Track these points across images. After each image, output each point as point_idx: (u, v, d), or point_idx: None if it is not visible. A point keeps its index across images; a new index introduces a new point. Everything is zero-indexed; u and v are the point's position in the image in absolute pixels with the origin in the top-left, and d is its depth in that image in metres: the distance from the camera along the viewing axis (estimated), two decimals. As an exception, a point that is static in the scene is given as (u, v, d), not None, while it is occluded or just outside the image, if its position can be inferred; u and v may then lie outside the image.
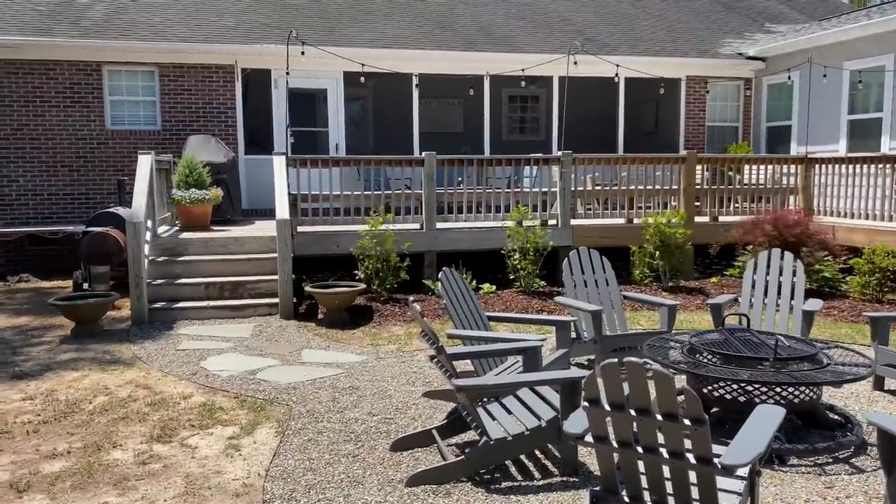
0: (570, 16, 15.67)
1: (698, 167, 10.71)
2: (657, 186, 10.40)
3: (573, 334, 6.11)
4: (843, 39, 12.43)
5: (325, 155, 12.25)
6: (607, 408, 2.96)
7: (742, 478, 3.23)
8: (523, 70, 13.05)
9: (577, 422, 3.22)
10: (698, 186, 10.63)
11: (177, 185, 9.79)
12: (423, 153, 9.47)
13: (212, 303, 8.21)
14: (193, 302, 8.22)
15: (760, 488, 3.79)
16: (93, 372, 6.11)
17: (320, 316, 8.02)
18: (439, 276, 5.28)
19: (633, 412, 2.89)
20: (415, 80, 13.09)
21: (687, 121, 14.55)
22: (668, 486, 3.00)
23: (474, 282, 9.19)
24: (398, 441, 4.37)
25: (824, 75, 12.64)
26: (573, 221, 10.04)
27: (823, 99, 12.90)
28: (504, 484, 3.86)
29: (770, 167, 11.06)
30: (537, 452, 4.25)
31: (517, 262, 8.99)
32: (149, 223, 8.61)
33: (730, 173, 11.03)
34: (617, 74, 13.43)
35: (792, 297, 6.01)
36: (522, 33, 14.43)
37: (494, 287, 9.16)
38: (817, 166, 10.58)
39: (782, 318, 5.92)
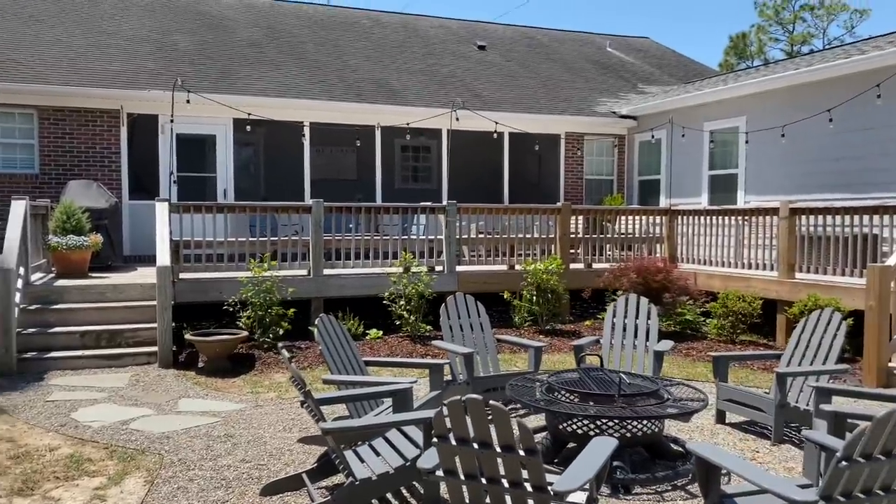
0: (459, 73, 16.40)
1: (574, 217, 11.40)
2: (536, 235, 10.99)
3: (449, 376, 6.40)
4: (703, 102, 13.65)
5: (213, 201, 12.18)
6: (454, 443, 3.22)
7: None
8: (408, 124, 13.53)
9: (429, 458, 3.46)
10: (574, 235, 11.30)
11: (53, 231, 9.51)
12: (311, 200, 9.65)
13: (88, 352, 7.99)
14: (68, 351, 7.96)
15: (605, 515, 4.14)
16: (-50, 426, 5.84)
17: (201, 364, 7.96)
18: (315, 322, 5.45)
19: (476, 446, 3.16)
20: (306, 129, 13.31)
21: (566, 174, 15.43)
22: (513, 515, 3.28)
23: (361, 327, 9.36)
24: (268, 486, 4.46)
25: (682, 135, 13.81)
26: (459, 268, 10.44)
27: (688, 155, 14.04)
28: (369, 522, 4.03)
29: (639, 218, 11.90)
30: (404, 491, 4.45)
31: (401, 307, 9.23)
32: (21, 270, 8.32)
33: (604, 223, 11.79)
34: (496, 130, 14.14)
35: (647, 339, 6.54)
36: (413, 87, 14.98)
37: (381, 332, 9.35)
38: (680, 217, 11.49)
39: (639, 357, 6.42)
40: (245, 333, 8.26)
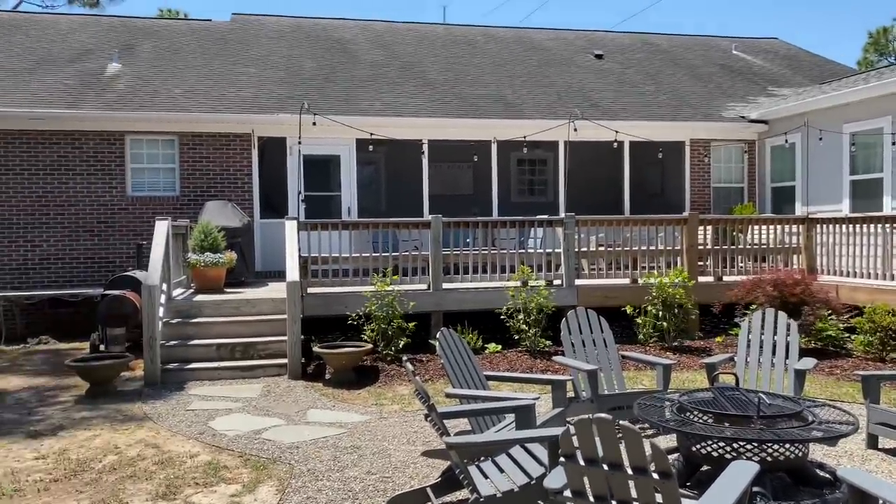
0: (576, 83, 16.17)
1: (701, 228, 10.92)
2: (660, 247, 10.60)
3: (572, 393, 6.26)
4: (841, 103, 12.74)
5: (338, 219, 12.58)
6: (582, 463, 3.11)
7: (718, 532, 3.33)
8: (525, 137, 13.46)
9: (556, 477, 3.36)
10: (702, 247, 10.81)
11: (192, 249, 10.13)
12: (430, 216, 9.77)
13: (223, 363, 8.42)
14: (205, 363, 8.43)
15: (746, 545, 3.86)
16: (104, 431, 6.30)
17: (328, 376, 8.20)
18: (437, 336, 5.48)
19: (605, 467, 3.04)
20: (424, 146, 13.53)
21: (692, 182, 14.82)
22: (645, 540, 3.12)
23: (480, 341, 9.34)
24: (394, 499, 4.49)
25: (820, 138, 12.93)
26: (578, 282, 10.23)
27: (825, 160, 13.14)
28: (494, 540, 3.96)
29: (772, 227, 11.23)
30: (529, 510, 4.35)
31: (520, 322, 9.14)
32: (164, 286, 8.91)
33: (734, 234, 11.21)
34: (616, 140, 13.79)
35: (787, 356, 6.12)
36: (529, 100, 14.91)
37: (500, 347, 9.30)
38: (819, 226, 10.74)
39: (777, 376, 6.02)
40: (369, 346, 8.44)
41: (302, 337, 8.54)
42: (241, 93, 13.56)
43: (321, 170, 13.48)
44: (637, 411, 4.77)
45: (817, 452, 5.29)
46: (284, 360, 8.38)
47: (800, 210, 13.63)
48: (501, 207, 14.31)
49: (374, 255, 9.72)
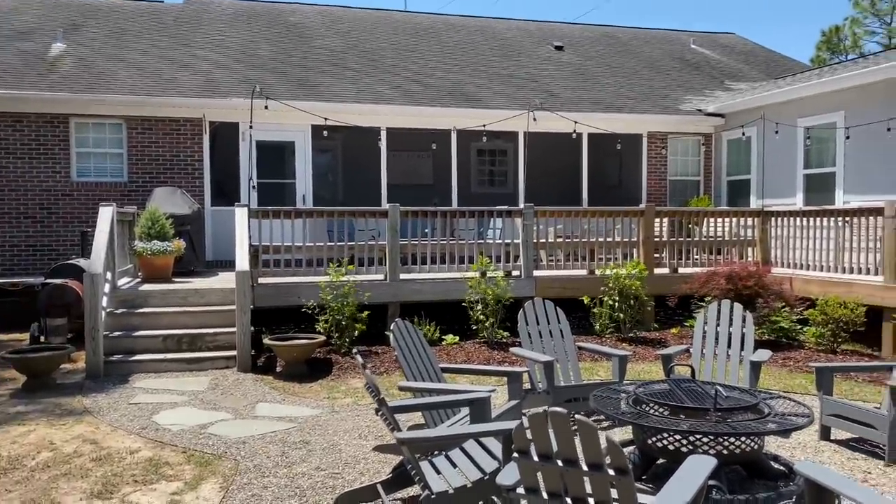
0: (536, 74, 16.09)
1: (658, 220, 10.93)
2: (617, 239, 10.58)
3: (528, 385, 6.16)
4: (796, 97, 12.89)
5: (292, 206, 12.28)
6: (536, 459, 2.98)
7: (674, 529, 3.24)
8: (484, 126, 13.33)
9: (509, 473, 3.23)
10: (658, 239, 10.84)
11: (139, 237, 9.77)
12: (388, 205, 9.58)
13: (169, 355, 8.12)
14: (151, 354, 8.12)
15: (701, 540, 3.79)
16: (40, 427, 5.99)
17: (278, 369, 7.97)
18: (391, 327, 5.31)
19: (560, 463, 2.91)
20: (382, 134, 13.30)
21: (649, 175, 14.89)
22: (600, 538, 3.01)
23: (437, 333, 9.20)
24: (342, 496, 4.32)
25: (776, 132, 13.07)
26: (536, 272, 10.15)
27: (780, 154, 13.30)
28: (445, 538, 3.82)
29: (728, 220, 11.31)
30: (483, 506, 4.22)
31: (479, 313, 9.02)
32: (108, 275, 8.55)
33: (690, 226, 11.26)
34: (575, 131, 13.78)
35: (742, 348, 6.11)
36: (489, 90, 14.78)
37: (458, 338, 9.18)
38: (774, 219, 10.84)
39: (732, 368, 6.00)
40: (322, 338, 8.22)
41: (253, 328, 8.28)
42: (193, 77, 13.14)
43: (276, 156, 13.15)
44: (593, 403, 4.68)
45: (771, 444, 5.28)
46: (233, 353, 8.11)
47: (755, 203, 13.79)
48: (461, 198, 14.17)
49: (328, 244, 9.48)
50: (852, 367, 6.55)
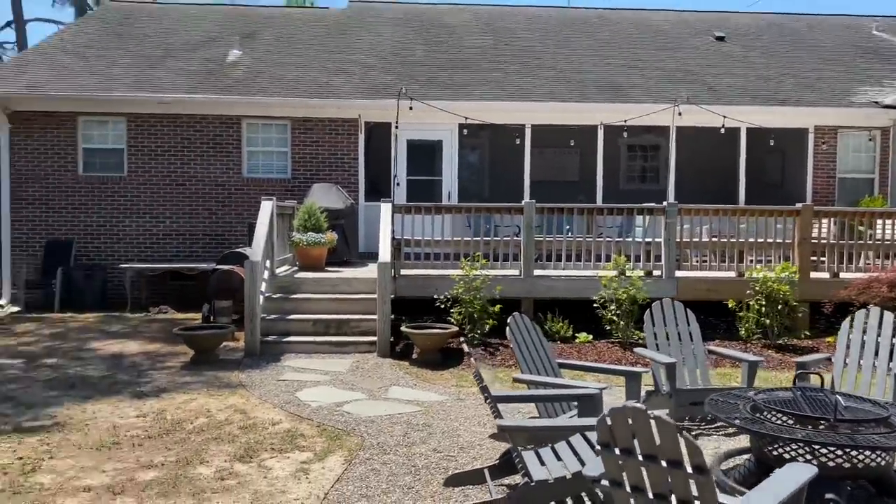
0: (692, 66, 15.49)
1: (819, 220, 10.24)
2: (770, 240, 10.02)
3: (653, 386, 6.09)
4: None
5: (433, 203, 12.72)
6: (617, 452, 3.04)
7: (767, 536, 3.16)
8: (626, 121, 13.05)
9: (594, 465, 3.31)
10: (820, 241, 10.13)
11: (296, 229, 10.58)
12: (524, 201, 9.71)
13: (318, 338, 8.78)
14: (301, 337, 8.82)
15: (810, 554, 3.64)
16: (201, 396, 6.75)
17: (414, 356, 8.38)
18: (508, 321, 5.48)
19: (640, 458, 2.96)
20: (527, 131, 13.44)
21: (815, 172, 13.89)
22: (684, 537, 3.01)
23: (570, 331, 9.22)
24: (451, 477, 4.56)
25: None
26: (679, 273, 9.88)
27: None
28: (543, 525, 3.95)
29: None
30: (585, 498, 4.28)
31: (612, 312, 8.94)
32: (267, 263, 9.38)
33: (858, 227, 10.44)
34: (731, 126, 13.13)
35: (891, 360, 5.67)
36: (640, 84, 14.44)
37: (591, 337, 9.15)
38: (955, 221, 9.80)
39: (878, 380, 5.59)
40: (455, 329, 8.54)
41: (392, 317, 8.76)
42: (350, 79, 13.96)
43: (424, 154, 13.67)
44: (707, 407, 4.59)
45: (915, 464, 4.88)
46: (374, 338, 8.62)
47: (938, 204, 12.48)
48: (609, 194, 13.99)
49: (465, 239, 9.78)
50: None
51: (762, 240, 10.03)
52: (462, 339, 8.84)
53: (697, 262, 10.34)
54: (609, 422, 3.01)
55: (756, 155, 14.04)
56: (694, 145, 14.02)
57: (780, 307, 8.89)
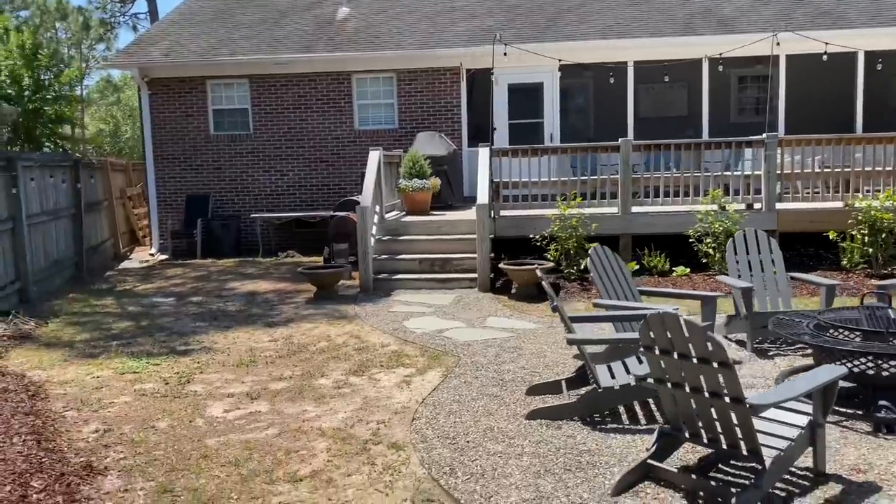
0: (806, -12, 14.74)
1: None
2: (878, 168, 9.75)
3: (734, 311, 6.40)
4: None
5: (534, 145, 13.07)
6: (657, 352, 3.53)
7: (797, 426, 3.58)
8: (720, 54, 12.73)
9: (643, 367, 3.79)
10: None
11: (402, 176, 11.32)
12: (620, 140, 9.94)
13: (424, 275, 9.54)
14: (409, 274, 9.61)
15: (856, 449, 3.98)
16: (322, 325, 7.68)
17: (513, 290, 8.96)
18: (589, 252, 5.95)
19: (675, 356, 3.43)
20: (629, 69, 13.43)
21: (943, 94, 13.07)
22: (719, 426, 3.49)
23: (668, 264, 9.49)
24: (532, 387, 5.17)
25: None
26: (780, 205, 9.84)
27: None
28: (609, 425, 4.49)
29: None
30: (651, 403, 4.77)
31: (708, 245, 9.12)
32: (376, 208, 10.18)
33: None
34: (824, 53, 12.52)
35: (980, 282, 5.70)
36: (747, 12, 13.98)
37: (688, 270, 9.37)
38: None
39: (965, 302, 5.64)
40: (551, 265, 9.03)
41: (492, 255, 9.36)
42: (450, 27, 14.38)
43: (527, 97, 13.96)
44: (771, 326, 4.92)
45: None
46: (476, 275, 9.27)
47: None
48: (716, 128, 13.78)
49: (562, 179, 10.15)
50: None
51: (870, 168, 9.77)
52: (559, 274, 9.33)
53: (808, 193, 10.17)
54: (649, 326, 3.49)
55: (879, 80, 13.35)
56: (806, 73, 13.51)
57: (884, 236, 8.75)
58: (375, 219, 10.08)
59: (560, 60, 12.69)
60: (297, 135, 14.05)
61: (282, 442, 4.48)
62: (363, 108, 14.05)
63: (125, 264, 13.27)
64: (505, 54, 12.56)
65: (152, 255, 14.07)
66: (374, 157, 10.30)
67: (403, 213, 11.51)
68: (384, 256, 9.88)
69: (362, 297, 8.99)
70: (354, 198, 11.72)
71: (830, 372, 3.53)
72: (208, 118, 14.19)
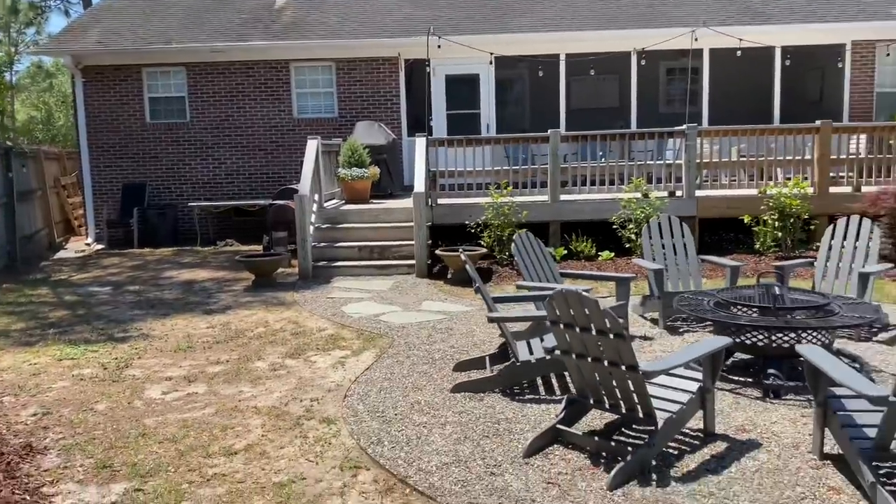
0: (729, -15, 15.42)
1: (859, 136, 10.57)
2: (788, 157, 10.41)
3: (649, 292, 6.86)
4: None
5: (469, 135, 13.40)
6: (562, 326, 3.89)
7: (688, 391, 4.00)
8: (644, 49, 13.29)
9: (550, 339, 4.15)
10: (848, 156, 10.46)
11: (341, 165, 11.51)
12: (550, 131, 10.34)
13: (363, 263, 9.78)
14: (348, 262, 9.84)
15: (745, 412, 4.43)
16: (260, 311, 7.86)
17: (449, 276, 9.29)
18: (514, 238, 6.30)
19: (577, 330, 3.80)
20: (561, 62, 13.86)
21: (852, 88, 13.92)
22: (619, 393, 3.87)
23: (594, 249, 9.96)
24: (459, 363, 5.50)
25: None
26: (700, 193, 10.41)
27: None
28: (527, 396, 4.86)
29: (924, 135, 10.54)
30: (566, 376, 5.15)
31: (630, 231, 9.61)
32: (315, 197, 10.36)
33: (890, 142, 10.68)
34: (740, 47, 13.21)
35: (865, 262, 6.28)
36: (672, 7, 14.57)
37: (612, 254, 9.87)
38: (978, 132, 9.97)
39: (852, 281, 6.21)
40: (484, 251, 9.39)
41: (429, 242, 9.66)
42: (388, 17, 14.55)
43: (463, 88, 14.27)
44: (676, 304, 5.36)
45: (850, 345, 5.56)
46: (413, 262, 9.56)
47: (976, 115, 12.45)
48: (645, 119, 14.37)
49: (495, 168, 10.53)
50: None
51: (781, 158, 10.42)
52: (492, 260, 9.70)
53: (727, 181, 10.77)
54: (554, 302, 3.85)
55: (795, 73, 14.12)
56: (729, 66, 14.18)
57: (792, 221, 9.38)
58: (314, 207, 10.26)
59: (492, 53, 13.03)
60: (236, 123, 14.06)
61: (218, 420, 4.71)
62: (302, 96, 14.14)
63: (60, 254, 13.11)
64: (439, 46, 12.82)
65: (88, 244, 13.92)
66: (313, 145, 10.46)
67: (343, 201, 11.70)
68: (323, 244, 10.08)
69: (301, 285, 9.18)
70: (293, 186, 11.85)
71: (715, 342, 3.95)
72: (144, 106, 14.07)
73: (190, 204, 13.69)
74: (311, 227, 9.92)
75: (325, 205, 10.95)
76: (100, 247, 13.54)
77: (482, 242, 9.81)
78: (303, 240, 9.54)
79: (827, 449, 3.82)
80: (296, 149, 13.95)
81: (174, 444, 4.31)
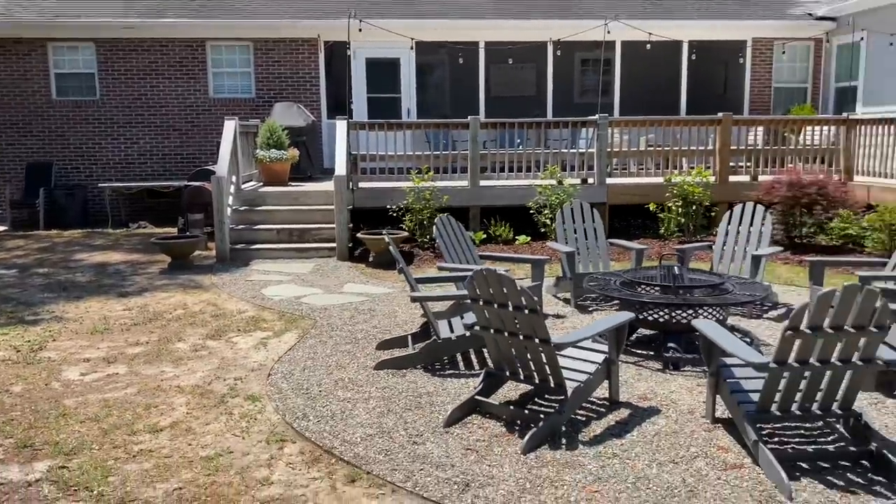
0: (641, -20, 16.04)
1: (760, 128, 11.27)
2: (692, 147, 11.02)
3: (562, 273, 7.20)
4: (909, -2, 12.33)
5: (391, 120, 13.52)
6: (481, 303, 4.11)
7: (595, 363, 4.30)
8: (557, 39, 13.74)
9: (471, 316, 4.38)
10: (746, 147, 11.17)
11: (259, 147, 11.40)
12: (470, 117, 10.58)
13: (282, 245, 9.78)
14: (267, 244, 9.81)
15: (647, 382, 4.79)
16: (178, 294, 7.78)
17: (370, 259, 9.41)
18: (435, 221, 6.50)
19: (496, 306, 4.03)
20: (480, 49, 14.12)
21: (752, 83, 14.78)
22: (532, 365, 4.14)
23: (512, 233, 10.29)
24: (382, 342, 5.67)
25: (891, 43, 12.58)
26: (610, 180, 10.88)
27: (892, 60, 12.84)
28: (447, 371, 5.08)
29: (814, 128, 11.36)
30: (485, 352, 5.41)
31: (546, 216, 9.98)
32: (233, 178, 10.25)
33: (790, 135, 11.44)
34: (650, 41, 13.86)
35: (759, 245, 6.81)
36: None
37: (529, 238, 10.22)
38: (860, 127, 10.82)
39: (747, 263, 6.72)
40: (405, 234, 9.56)
41: (351, 226, 9.74)
42: (309, -1, 14.44)
43: (384, 72, 14.34)
44: (586, 283, 5.69)
45: (745, 322, 6.06)
46: (334, 245, 9.63)
47: (860, 111, 13.47)
48: (561, 108, 14.82)
49: (417, 153, 10.69)
50: (845, 262, 6.95)
51: (686, 148, 11.03)
52: (413, 243, 9.89)
53: (636, 169, 11.31)
54: (474, 280, 4.07)
55: (702, 67, 14.86)
56: (640, 59, 14.78)
57: (694, 208, 9.97)
58: (232, 189, 10.16)
59: (413, 39, 13.15)
60: (149, 102, 13.67)
61: (141, 399, 4.72)
62: (218, 76, 13.87)
63: (-43, 236, 12.47)
64: (360, 30, 12.84)
65: (-12, 226, 13.28)
66: (230, 126, 10.33)
67: (261, 183, 11.61)
68: (241, 227, 10.01)
69: (219, 267, 9.11)
70: (210, 167, 11.67)
71: (620, 317, 4.27)
72: (50, 82, 13.49)
73: (101, 185, 13.25)
74: (229, 209, 9.83)
75: (243, 186, 10.85)
76: (3, 228, 12.94)
77: (404, 226, 9.97)
78: (220, 222, 9.45)
79: (718, 413, 4.21)
80: (211, 129, 13.72)
81: (97, 423, 4.31)
